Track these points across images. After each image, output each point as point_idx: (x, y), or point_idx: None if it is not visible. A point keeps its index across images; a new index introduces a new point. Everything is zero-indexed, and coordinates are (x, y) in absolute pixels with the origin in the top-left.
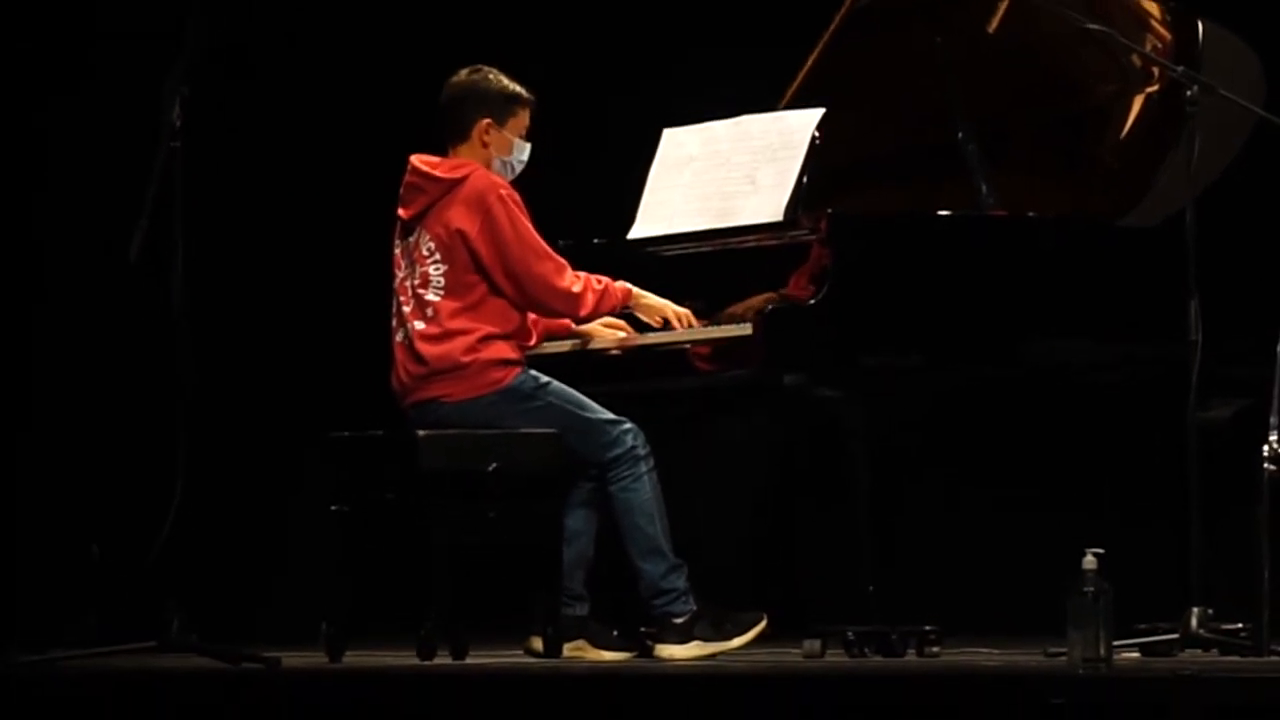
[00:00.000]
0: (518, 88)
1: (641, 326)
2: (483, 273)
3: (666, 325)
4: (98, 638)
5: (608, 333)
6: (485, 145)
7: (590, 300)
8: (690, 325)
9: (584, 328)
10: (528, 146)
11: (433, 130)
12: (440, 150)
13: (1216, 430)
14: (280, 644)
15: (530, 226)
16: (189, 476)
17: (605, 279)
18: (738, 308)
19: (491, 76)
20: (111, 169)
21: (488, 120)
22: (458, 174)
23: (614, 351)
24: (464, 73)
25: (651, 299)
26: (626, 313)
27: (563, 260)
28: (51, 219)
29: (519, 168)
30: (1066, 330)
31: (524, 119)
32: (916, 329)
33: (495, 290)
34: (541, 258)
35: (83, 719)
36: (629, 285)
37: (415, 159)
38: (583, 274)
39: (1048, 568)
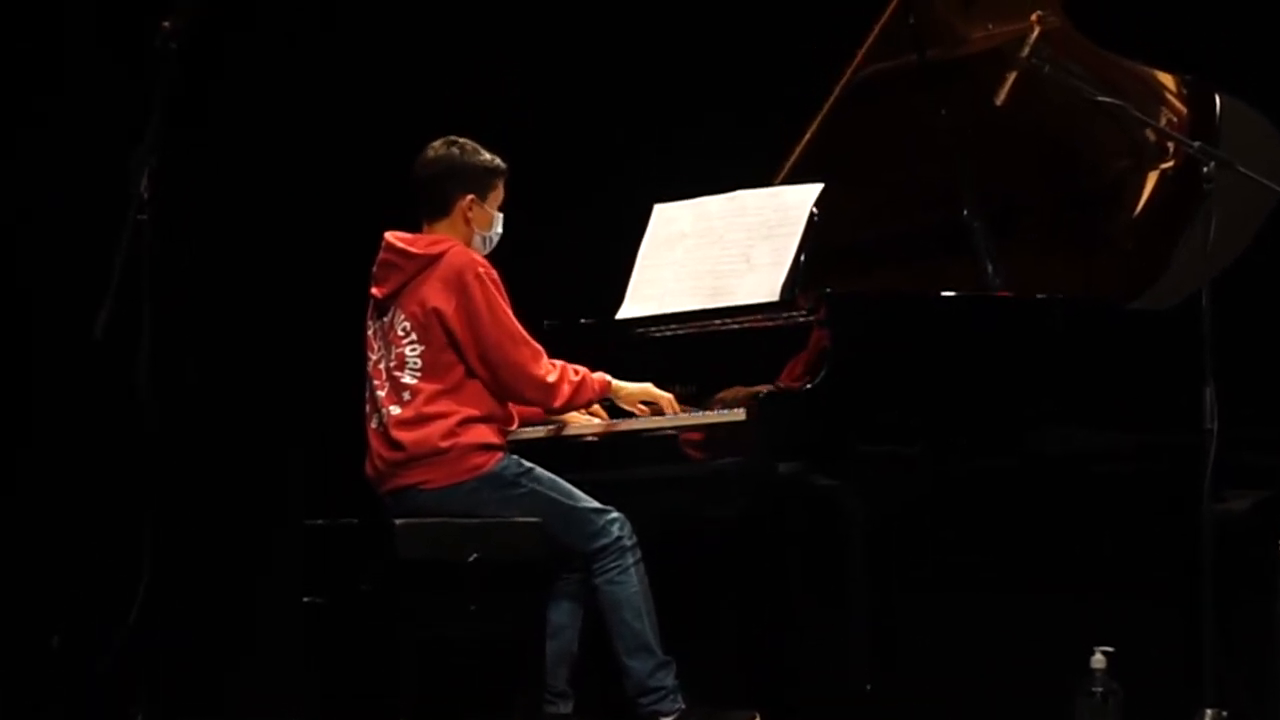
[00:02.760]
0: (495, 159)
1: (626, 412)
2: (459, 353)
3: (656, 412)
4: None
5: (591, 419)
6: (467, 222)
7: (566, 391)
8: (675, 410)
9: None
10: (501, 218)
11: (407, 205)
12: (414, 226)
13: (1233, 522)
14: None
15: (508, 309)
16: (155, 565)
17: (583, 370)
18: (727, 394)
19: (470, 149)
20: (77, 242)
21: (471, 196)
22: (435, 250)
23: (594, 438)
24: (439, 146)
25: (631, 388)
26: (608, 403)
27: (539, 347)
28: (8, 291)
29: (495, 241)
30: (1076, 418)
31: (501, 191)
32: (918, 416)
33: (473, 372)
34: (518, 343)
35: None
36: (607, 377)
37: (390, 235)
38: (559, 363)
39: (1055, 666)
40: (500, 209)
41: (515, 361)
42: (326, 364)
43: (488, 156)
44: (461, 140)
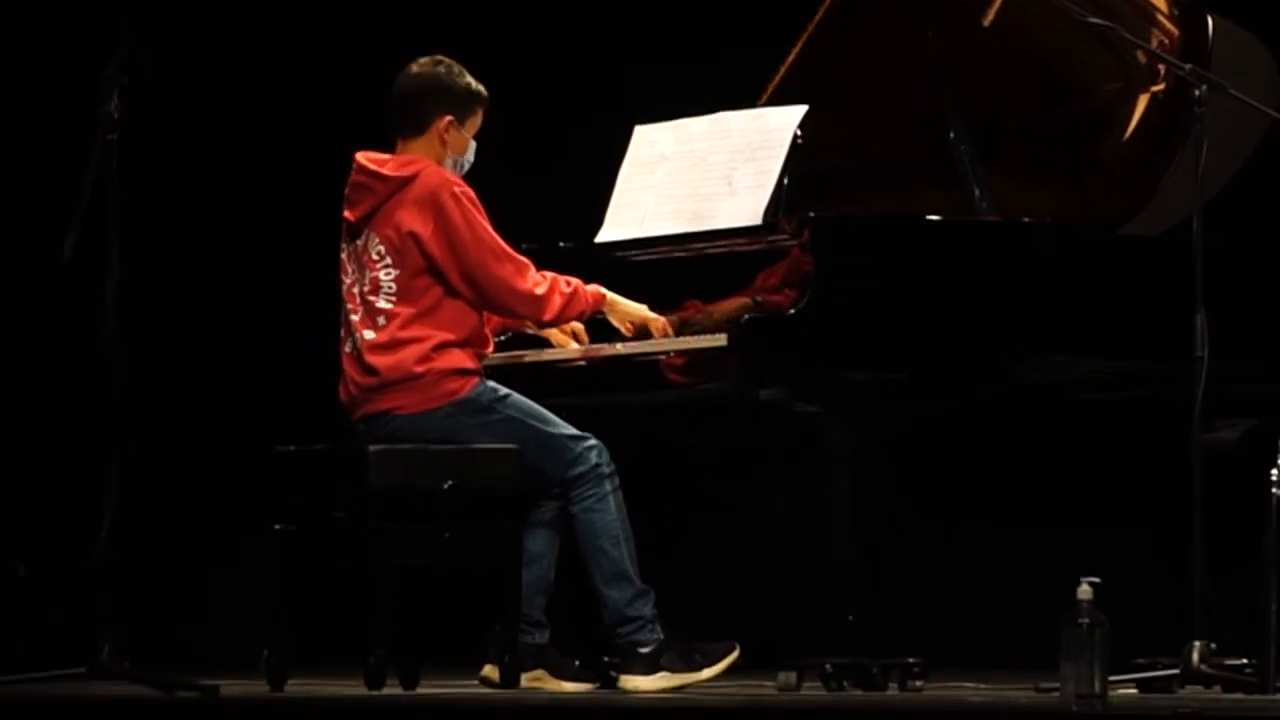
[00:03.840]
0: (480, 87)
1: (607, 334)
2: (437, 276)
3: (640, 334)
4: (23, 663)
5: (572, 341)
6: (443, 144)
7: (557, 303)
8: (669, 335)
9: (548, 333)
10: (475, 146)
11: (381, 126)
12: (384, 145)
13: (1222, 453)
14: (218, 671)
15: (487, 225)
16: (123, 491)
17: (576, 281)
18: (707, 312)
19: (456, 71)
20: (45, 163)
21: (450, 118)
22: (407, 171)
23: (579, 362)
24: (425, 63)
25: (627, 305)
26: (600, 318)
27: (525, 260)
28: None
29: (467, 167)
30: (1064, 345)
31: (479, 119)
32: (903, 341)
33: (451, 293)
34: (501, 258)
35: None
36: (602, 289)
37: (361, 156)
38: (549, 274)
39: (1040, 597)
40: (475, 138)
41: (500, 277)
42: (296, 287)
43: (472, 81)
44: (448, 61)
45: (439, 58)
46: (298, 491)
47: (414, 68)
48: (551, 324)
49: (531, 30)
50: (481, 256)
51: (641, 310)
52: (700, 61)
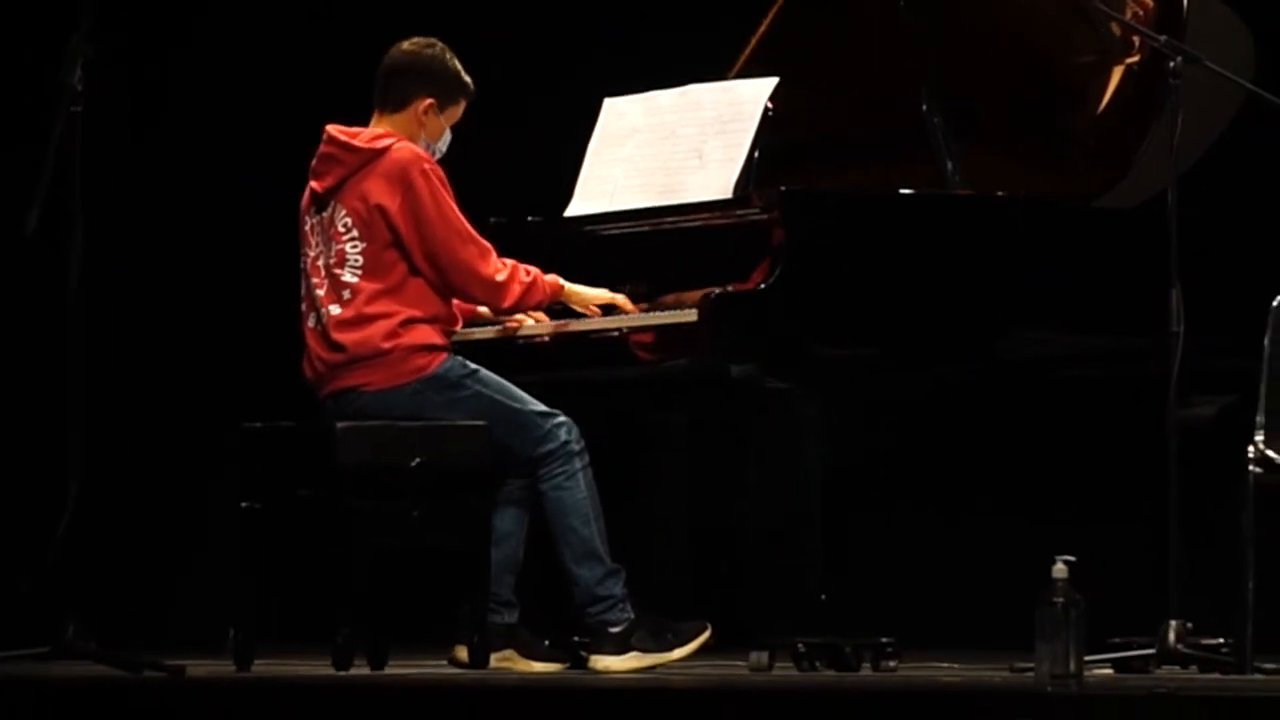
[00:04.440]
0: (467, 78)
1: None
2: (402, 251)
3: (606, 313)
4: None
5: (540, 316)
6: (420, 125)
7: (516, 291)
8: (629, 312)
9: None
10: (450, 137)
11: (353, 99)
12: (357, 120)
13: (1198, 429)
14: (184, 651)
15: (454, 206)
16: (86, 469)
17: (535, 270)
18: (680, 298)
19: (447, 55)
20: (5, 134)
21: (431, 101)
22: (378, 144)
23: (546, 338)
24: (417, 42)
25: (584, 291)
26: (559, 307)
27: (488, 245)
28: None
29: (438, 156)
30: (1037, 321)
31: (460, 110)
32: (875, 317)
33: (417, 270)
34: (465, 241)
35: None
36: (560, 279)
37: (331, 128)
38: (510, 262)
39: (1015, 576)
40: (453, 130)
41: (463, 259)
42: (260, 259)
43: (461, 70)
44: (442, 45)
45: (432, 40)
46: (264, 469)
47: (406, 44)
48: (509, 312)
49: (501, 1)
50: (447, 236)
51: (601, 293)
52: (671, 31)
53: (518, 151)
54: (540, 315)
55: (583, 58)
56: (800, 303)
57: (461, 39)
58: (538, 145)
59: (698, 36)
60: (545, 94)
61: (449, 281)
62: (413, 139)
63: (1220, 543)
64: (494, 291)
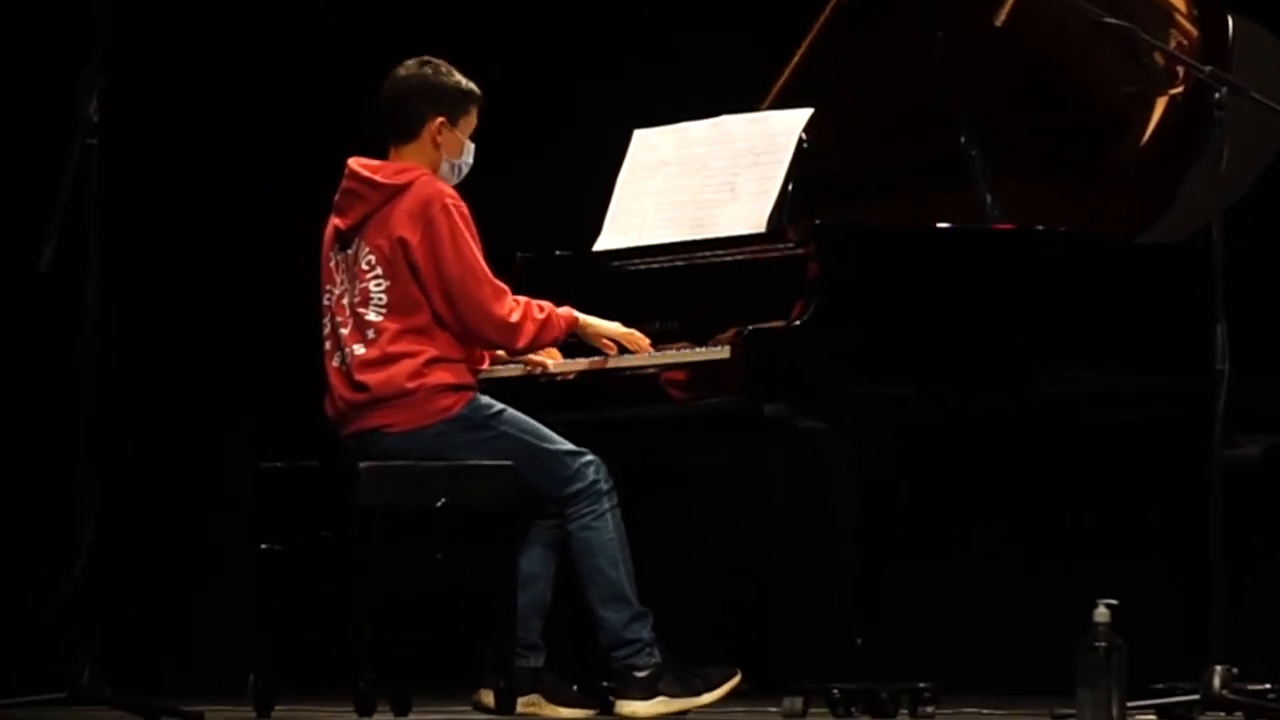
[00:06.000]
0: (470, 84)
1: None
2: (423, 288)
3: (621, 350)
4: (1, 688)
5: (554, 354)
6: (436, 146)
7: (529, 330)
8: (647, 348)
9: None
10: (473, 148)
11: (373, 131)
12: (379, 152)
13: (1244, 470)
14: (203, 696)
15: (473, 244)
16: (103, 508)
17: (548, 305)
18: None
19: (444, 70)
20: (22, 169)
21: (441, 119)
22: (401, 179)
23: (573, 376)
24: (412, 64)
25: (599, 324)
26: (574, 340)
27: (502, 286)
28: None
29: (465, 170)
30: (1079, 358)
31: (474, 118)
32: (911, 354)
33: (438, 309)
34: (480, 281)
35: None
36: (573, 311)
37: (353, 162)
38: (522, 299)
39: (1055, 620)
40: (472, 138)
41: (477, 299)
42: (284, 297)
43: (462, 79)
44: (435, 60)
45: (425, 58)
46: (285, 510)
47: (400, 71)
48: (524, 352)
49: (528, 31)
50: (462, 274)
51: (615, 327)
52: (701, 62)
53: (545, 185)
54: (554, 353)
55: (612, 89)
56: (834, 339)
57: (488, 70)
58: (565, 179)
59: (728, 66)
60: (573, 126)
61: (464, 321)
62: (434, 165)
63: (1266, 585)
64: (508, 333)
